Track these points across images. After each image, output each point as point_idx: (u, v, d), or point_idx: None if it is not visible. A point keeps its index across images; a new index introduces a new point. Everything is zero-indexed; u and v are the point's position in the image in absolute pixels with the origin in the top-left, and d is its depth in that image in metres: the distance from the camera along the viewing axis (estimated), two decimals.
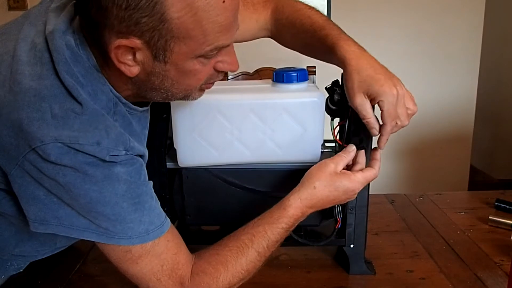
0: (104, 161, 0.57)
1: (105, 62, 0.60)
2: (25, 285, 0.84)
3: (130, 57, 0.57)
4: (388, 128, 0.69)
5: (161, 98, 0.64)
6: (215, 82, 0.67)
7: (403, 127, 0.70)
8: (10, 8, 2.31)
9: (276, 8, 0.86)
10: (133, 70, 0.58)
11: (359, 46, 0.72)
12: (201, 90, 0.67)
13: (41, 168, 0.56)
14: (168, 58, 0.57)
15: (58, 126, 0.55)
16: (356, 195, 0.73)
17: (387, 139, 0.72)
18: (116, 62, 0.56)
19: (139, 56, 0.57)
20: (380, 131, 0.71)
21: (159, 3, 0.51)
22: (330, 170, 0.70)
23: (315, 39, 0.76)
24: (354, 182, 0.70)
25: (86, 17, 0.56)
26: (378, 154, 0.75)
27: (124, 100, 0.64)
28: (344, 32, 0.75)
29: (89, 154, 0.56)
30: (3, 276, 0.78)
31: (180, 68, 0.59)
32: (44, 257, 0.78)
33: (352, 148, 0.73)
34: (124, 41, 0.54)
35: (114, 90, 0.62)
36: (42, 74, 0.57)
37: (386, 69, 0.70)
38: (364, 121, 0.70)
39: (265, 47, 2.34)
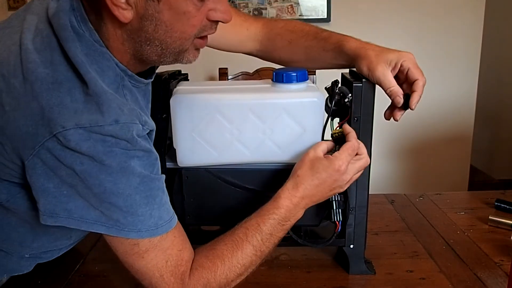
0: (127, 141, 0.58)
1: (103, 25, 0.61)
2: (25, 285, 0.84)
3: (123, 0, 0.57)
4: (420, 82, 0.74)
5: (156, 55, 0.64)
6: (214, 82, 0.67)
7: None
8: (10, 8, 2.31)
9: (269, 21, 0.91)
10: (127, 14, 0.58)
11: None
12: (196, 50, 0.67)
13: (59, 156, 0.57)
14: None
15: (78, 110, 0.56)
16: (346, 179, 0.72)
17: (420, 97, 0.74)
18: (110, 4, 0.56)
19: None
20: (412, 89, 0.74)
21: None
22: (310, 156, 0.73)
23: (319, 39, 0.81)
24: (333, 159, 0.71)
25: None
26: (347, 126, 0.75)
27: (130, 73, 0.65)
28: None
29: (111, 136, 0.57)
30: (5, 275, 0.78)
31: (174, 8, 0.59)
32: (60, 254, 0.79)
33: None
34: None
35: (119, 64, 0.63)
36: (53, 60, 0.58)
37: None
38: (387, 91, 0.74)
39: None
